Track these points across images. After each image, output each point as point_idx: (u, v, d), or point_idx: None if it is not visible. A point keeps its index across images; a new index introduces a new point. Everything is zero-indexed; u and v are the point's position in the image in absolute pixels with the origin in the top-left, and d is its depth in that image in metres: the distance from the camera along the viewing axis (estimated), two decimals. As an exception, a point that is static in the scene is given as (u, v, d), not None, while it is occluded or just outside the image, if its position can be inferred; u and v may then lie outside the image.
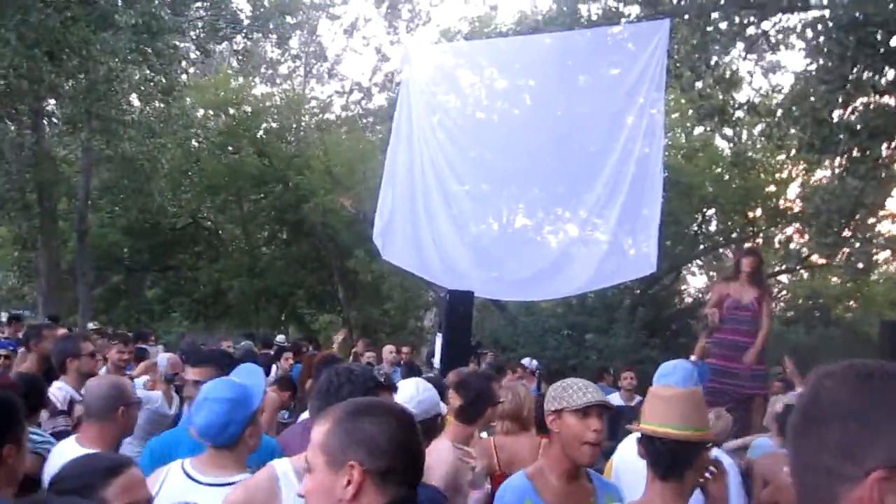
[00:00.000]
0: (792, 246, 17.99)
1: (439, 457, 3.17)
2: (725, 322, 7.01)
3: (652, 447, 2.32)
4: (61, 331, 7.97)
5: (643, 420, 2.39)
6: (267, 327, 22.99)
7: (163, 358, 6.53)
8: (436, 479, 3.05)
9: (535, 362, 10.30)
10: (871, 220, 10.34)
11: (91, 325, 17.30)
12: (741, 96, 12.91)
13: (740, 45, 11.33)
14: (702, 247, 19.87)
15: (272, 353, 9.95)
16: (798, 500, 1.08)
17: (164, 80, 16.46)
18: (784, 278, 22.90)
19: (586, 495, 2.81)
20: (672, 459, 2.28)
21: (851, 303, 22.46)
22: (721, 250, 20.93)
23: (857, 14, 7.78)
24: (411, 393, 3.15)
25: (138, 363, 7.35)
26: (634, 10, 11.03)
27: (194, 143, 21.98)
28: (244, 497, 2.27)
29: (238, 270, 21.10)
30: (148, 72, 16.48)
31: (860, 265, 9.75)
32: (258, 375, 2.88)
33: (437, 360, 7.53)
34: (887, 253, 18.32)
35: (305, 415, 3.79)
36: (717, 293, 7.29)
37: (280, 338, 16.17)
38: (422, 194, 8.96)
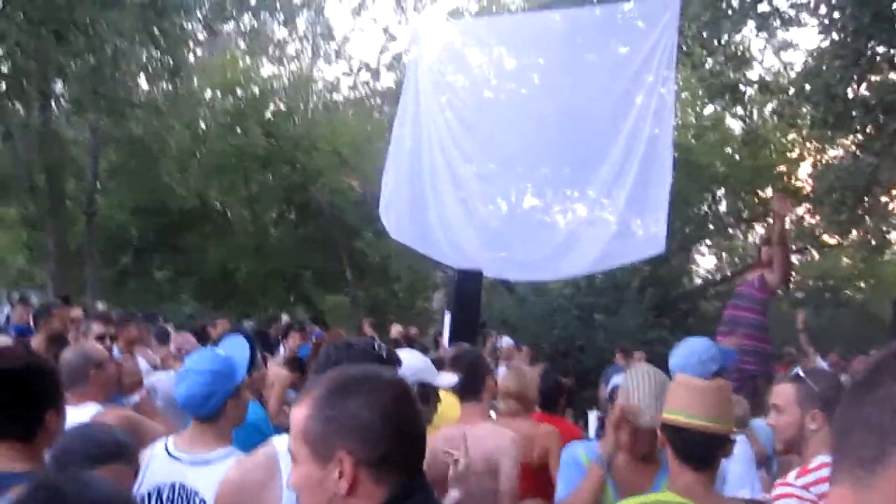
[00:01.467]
0: (801, 223, 17.86)
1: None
2: (739, 299, 6.94)
3: (683, 438, 2.30)
4: (75, 311, 8.02)
5: (672, 409, 2.35)
6: (274, 308, 23.02)
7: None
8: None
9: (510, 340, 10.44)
10: (885, 199, 10.21)
11: (100, 306, 17.38)
12: (752, 74, 12.77)
13: (752, 23, 11.17)
14: (711, 227, 19.75)
15: (280, 332, 9.95)
16: (834, 455, 0.98)
17: (171, 61, 16.39)
18: (794, 259, 22.76)
19: (651, 471, 2.83)
20: (707, 451, 2.29)
21: (862, 284, 22.31)
22: (731, 230, 20.82)
23: (873, -13, 7.66)
24: (417, 364, 2.96)
25: (160, 343, 7.32)
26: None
27: (202, 123, 21.92)
28: (241, 475, 2.23)
29: (246, 251, 21.10)
30: (155, 52, 16.41)
31: (874, 242, 9.59)
32: (243, 348, 2.86)
33: (445, 339, 7.51)
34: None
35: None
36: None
37: (284, 318, 16.21)
38: (429, 175, 8.91)
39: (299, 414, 1.48)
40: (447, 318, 7.38)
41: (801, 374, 2.68)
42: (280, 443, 2.26)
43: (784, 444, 2.69)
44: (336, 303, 21.49)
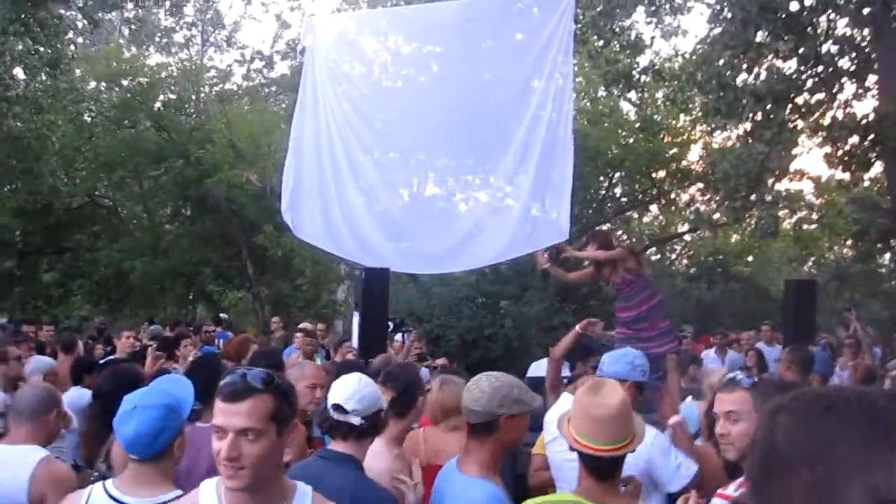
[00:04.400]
0: (698, 207, 18.49)
1: (376, 466, 3.05)
2: (619, 300, 7.09)
3: (588, 457, 2.61)
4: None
5: (577, 432, 2.62)
6: (174, 307, 22.27)
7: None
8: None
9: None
10: (771, 181, 10.66)
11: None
12: (644, 60, 13.10)
13: (641, 10, 11.42)
14: (609, 209, 20.22)
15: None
16: None
17: (49, 52, 15.50)
18: (687, 237, 23.65)
19: None
20: (609, 468, 2.62)
21: (749, 258, 23.38)
22: (628, 213, 21.40)
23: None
24: (353, 389, 2.86)
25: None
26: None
27: (87, 117, 20.87)
28: None
29: (140, 250, 20.27)
30: (31, 43, 15.48)
31: (770, 230, 10.03)
32: (186, 385, 2.77)
33: (354, 341, 7.37)
34: (784, 211, 19.06)
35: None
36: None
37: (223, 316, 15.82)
38: (330, 167, 8.72)
39: None
40: (356, 319, 7.24)
41: (754, 381, 2.80)
42: (206, 486, 2.15)
43: (740, 453, 2.70)
44: (238, 298, 20.89)
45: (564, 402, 3.96)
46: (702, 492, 2.85)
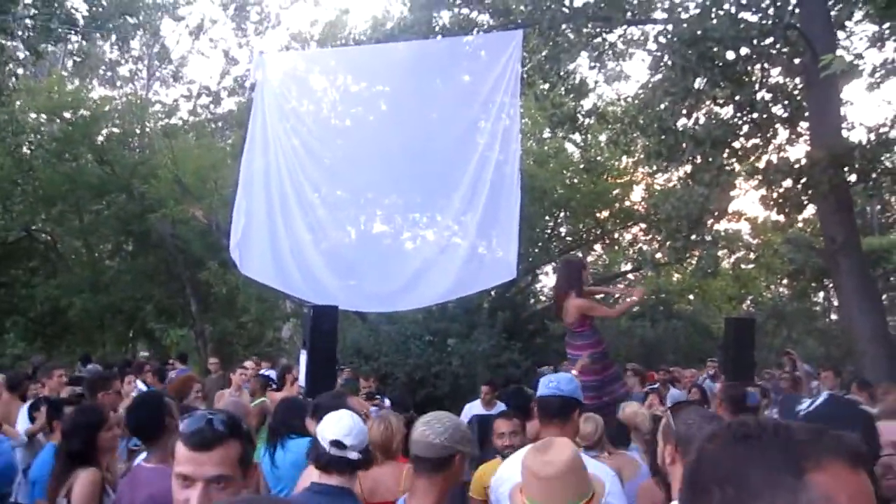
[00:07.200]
0: (641, 247, 18.89)
1: None
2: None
3: None
4: None
5: (530, 499, 2.40)
6: (113, 345, 21.72)
7: None
8: None
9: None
10: (711, 222, 10.99)
11: None
12: (587, 103, 13.47)
13: (585, 55, 11.77)
14: (554, 248, 20.49)
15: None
16: None
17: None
18: (630, 276, 24.05)
19: None
20: None
21: (691, 297, 23.86)
22: (573, 252, 21.70)
23: (698, 30, 8.23)
24: (349, 424, 2.91)
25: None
26: (487, 18, 11.22)
27: (26, 150, 20.43)
28: None
29: (79, 286, 19.78)
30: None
31: (710, 269, 10.34)
32: None
33: (301, 379, 7.29)
34: (724, 251, 19.58)
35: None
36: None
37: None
38: (279, 203, 8.69)
39: None
40: (303, 357, 7.18)
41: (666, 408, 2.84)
42: None
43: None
44: (181, 336, 20.47)
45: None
46: None
